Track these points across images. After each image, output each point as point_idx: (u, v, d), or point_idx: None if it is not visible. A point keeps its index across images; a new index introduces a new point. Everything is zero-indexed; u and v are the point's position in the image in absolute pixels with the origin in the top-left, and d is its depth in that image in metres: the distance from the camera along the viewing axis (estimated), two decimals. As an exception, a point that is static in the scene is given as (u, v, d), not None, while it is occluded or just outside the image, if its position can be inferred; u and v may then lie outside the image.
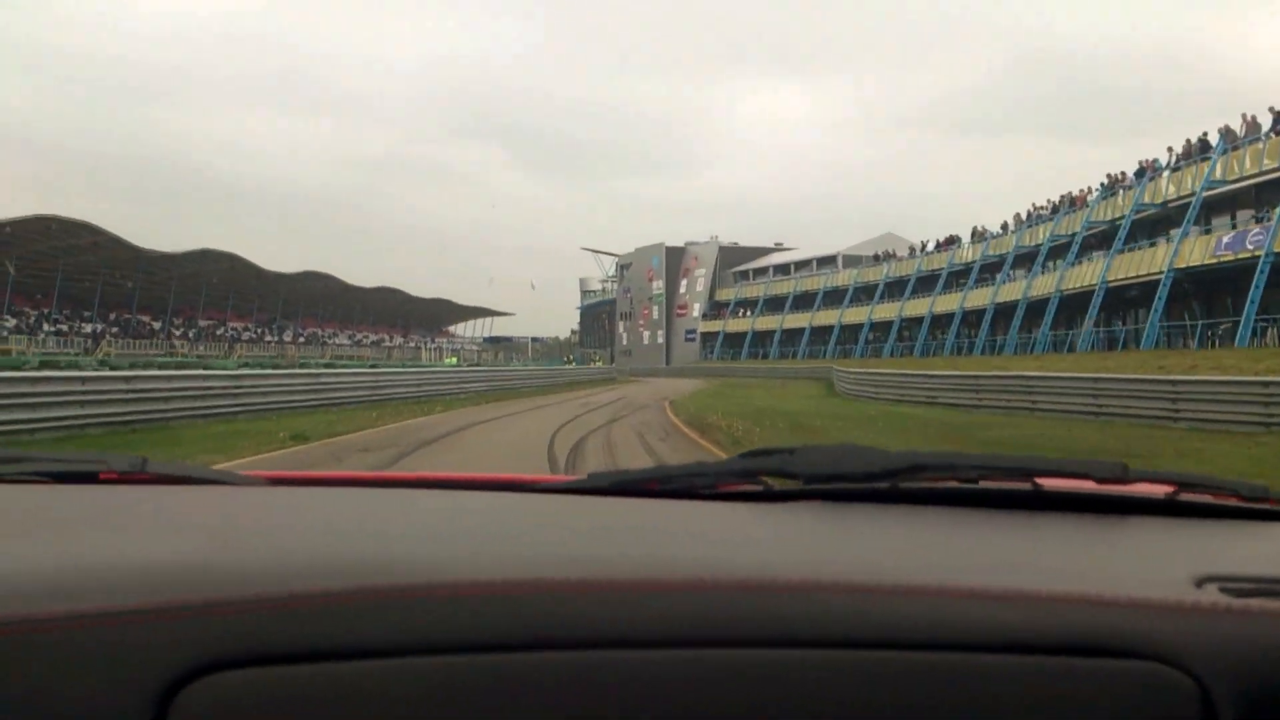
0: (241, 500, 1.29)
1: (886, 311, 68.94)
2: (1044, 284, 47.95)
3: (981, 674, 0.75)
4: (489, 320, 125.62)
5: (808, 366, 66.43)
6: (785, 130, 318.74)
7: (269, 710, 0.70)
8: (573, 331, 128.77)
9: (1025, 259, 53.35)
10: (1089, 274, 43.60)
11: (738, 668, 0.74)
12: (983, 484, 1.16)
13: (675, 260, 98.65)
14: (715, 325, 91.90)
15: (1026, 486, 1.15)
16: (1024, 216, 55.23)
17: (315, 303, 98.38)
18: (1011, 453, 1.28)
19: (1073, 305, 45.39)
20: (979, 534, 1.04)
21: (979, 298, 55.79)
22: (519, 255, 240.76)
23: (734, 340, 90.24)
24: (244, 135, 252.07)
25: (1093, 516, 1.13)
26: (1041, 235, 51.00)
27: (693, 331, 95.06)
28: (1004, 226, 56.79)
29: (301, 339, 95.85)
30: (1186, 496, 1.19)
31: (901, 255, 71.33)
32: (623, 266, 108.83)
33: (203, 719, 0.70)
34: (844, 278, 77.47)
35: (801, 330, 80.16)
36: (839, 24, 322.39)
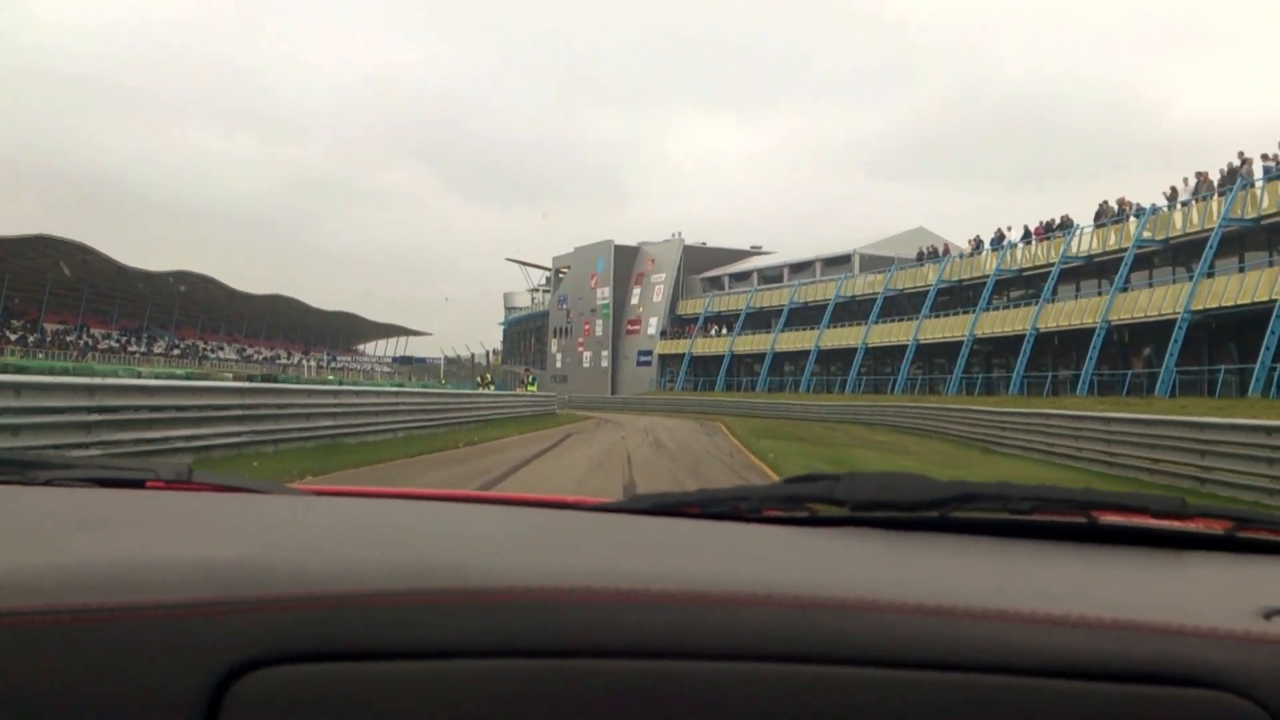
0: (290, 508, 1.31)
1: (944, 328, 48.43)
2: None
3: (1043, 700, 0.75)
4: (404, 340, 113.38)
5: (834, 405, 45.75)
6: (722, 165, 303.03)
7: (320, 705, 0.72)
8: (494, 352, 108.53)
9: (1183, 250, 33.19)
10: None
11: (787, 683, 0.74)
12: (1036, 516, 1.15)
13: (626, 263, 77.71)
14: (678, 346, 70.89)
15: (1081, 519, 1.14)
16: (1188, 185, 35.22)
17: (194, 310, 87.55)
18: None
19: None
20: (1034, 563, 1.04)
21: (1133, 304, 35.54)
22: (446, 278, 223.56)
23: (703, 366, 69.36)
24: (161, 147, 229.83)
25: (1150, 550, 1.13)
26: (1255, 205, 30.75)
27: (647, 353, 73.95)
28: (1171, 195, 36.53)
29: (176, 350, 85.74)
30: (1246, 533, 1.17)
31: (959, 251, 50.84)
32: (558, 271, 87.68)
33: (255, 711, 0.71)
34: (867, 284, 56.94)
35: (801, 354, 59.49)
36: (778, 64, 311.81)
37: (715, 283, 72.62)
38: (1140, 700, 0.75)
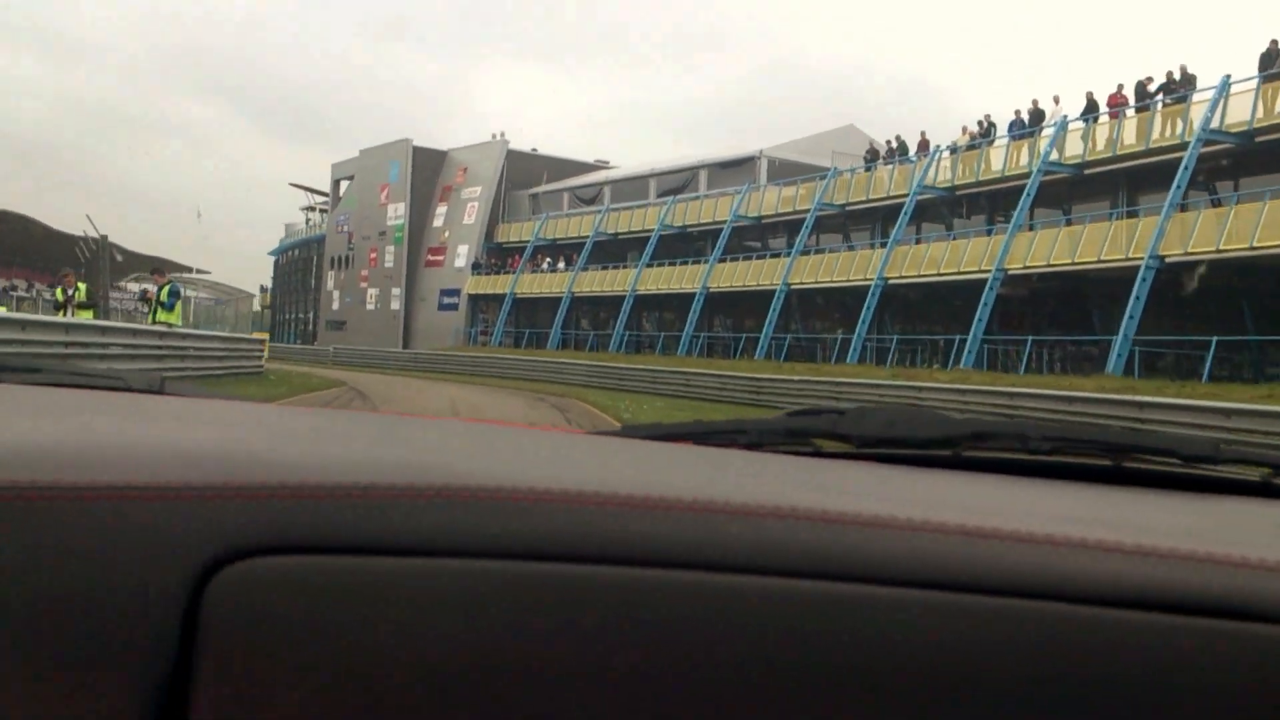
0: (276, 413, 1.32)
1: (940, 258, 30.59)
2: None
3: (1078, 626, 0.71)
4: (177, 278, 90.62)
5: (755, 379, 27.52)
6: (540, 123, 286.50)
7: (305, 596, 0.71)
8: (262, 289, 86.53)
9: None
10: None
11: (811, 599, 0.71)
12: (1057, 457, 1.11)
13: (428, 171, 57.30)
14: (496, 284, 51.20)
15: (1106, 462, 1.11)
16: None
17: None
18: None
19: None
20: (1057, 499, 0.99)
21: None
22: (236, 217, 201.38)
23: (530, 313, 50.06)
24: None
25: (1182, 493, 1.07)
26: None
27: (454, 293, 53.93)
28: None
29: None
30: None
31: (950, 143, 32.75)
32: (337, 182, 65.90)
33: (239, 600, 0.70)
34: (783, 199, 38.56)
35: (676, 298, 40.96)
36: (596, 22, 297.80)
37: (550, 201, 53.14)
38: (1204, 633, 0.70)
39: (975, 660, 0.69)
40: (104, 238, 24.53)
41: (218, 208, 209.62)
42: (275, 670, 0.69)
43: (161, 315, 19.57)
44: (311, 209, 76.32)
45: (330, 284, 64.46)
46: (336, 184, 65.70)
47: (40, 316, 19.16)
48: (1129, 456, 1.10)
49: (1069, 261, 26.19)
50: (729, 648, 0.70)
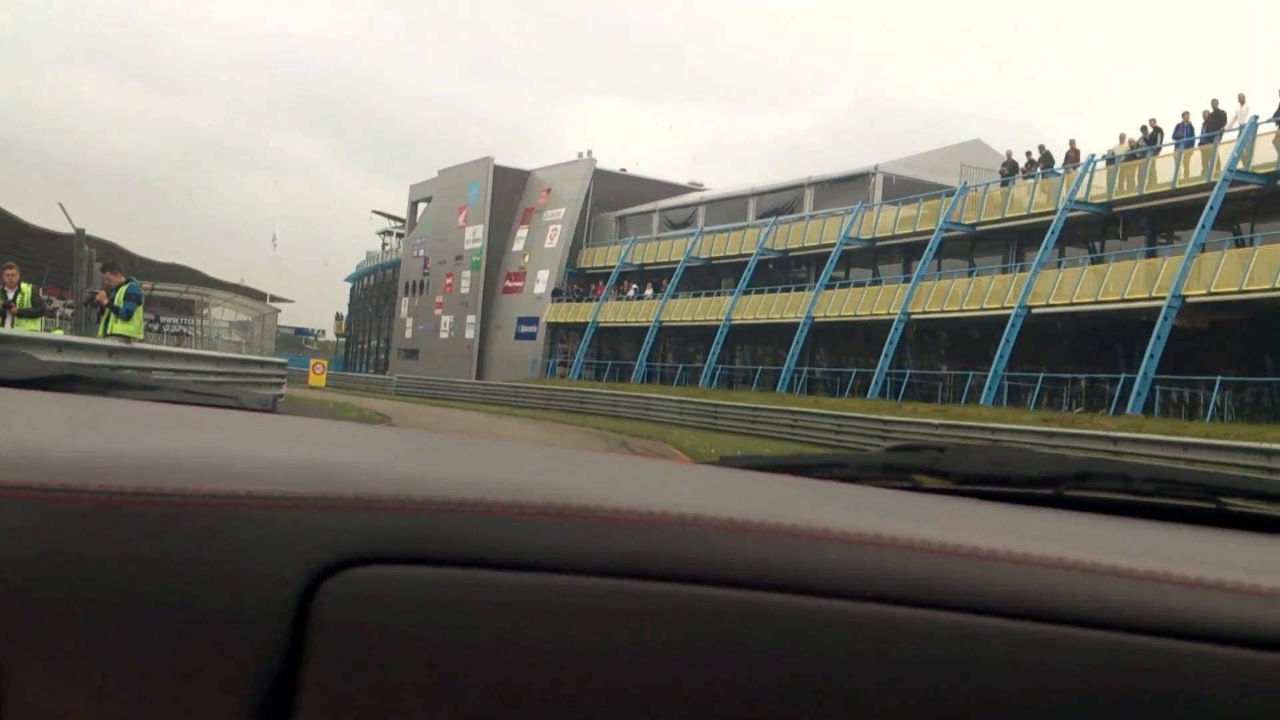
0: (382, 431, 1.39)
1: (1096, 284, 26.14)
2: None
3: (1192, 663, 0.71)
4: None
5: (888, 422, 22.97)
6: (630, 156, 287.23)
7: (411, 605, 0.73)
8: (338, 316, 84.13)
9: None
10: None
11: (916, 629, 0.72)
12: (1158, 499, 1.11)
13: (510, 191, 53.86)
14: (578, 311, 47.62)
15: (1209, 505, 1.09)
16: None
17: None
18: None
19: None
20: (1160, 538, 0.99)
21: None
22: (328, 248, 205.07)
23: (613, 343, 46.32)
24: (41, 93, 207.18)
25: None
26: None
27: (532, 321, 50.39)
28: None
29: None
30: None
31: (1108, 152, 28.22)
32: (415, 204, 63.20)
33: (348, 605, 0.72)
34: (902, 219, 34.25)
35: (775, 329, 36.79)
36: (686, 61, 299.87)
37: (639, 224, 49.37)
38: None
39: (1076, 692, 0.70)
40: (80, 231, 17.79)
41: (301, 238, 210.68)
42: (380, 674, 0.71)
43: (115, 326, 14.53)
44: (389, 233, 73.72)
45: (404, 311, 61.35)
46: (414, 206, 62.84)
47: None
48: (1233, 499, 1.09)
49: (1268, 287, 21.56)
50: (831, 673, 0.71)
